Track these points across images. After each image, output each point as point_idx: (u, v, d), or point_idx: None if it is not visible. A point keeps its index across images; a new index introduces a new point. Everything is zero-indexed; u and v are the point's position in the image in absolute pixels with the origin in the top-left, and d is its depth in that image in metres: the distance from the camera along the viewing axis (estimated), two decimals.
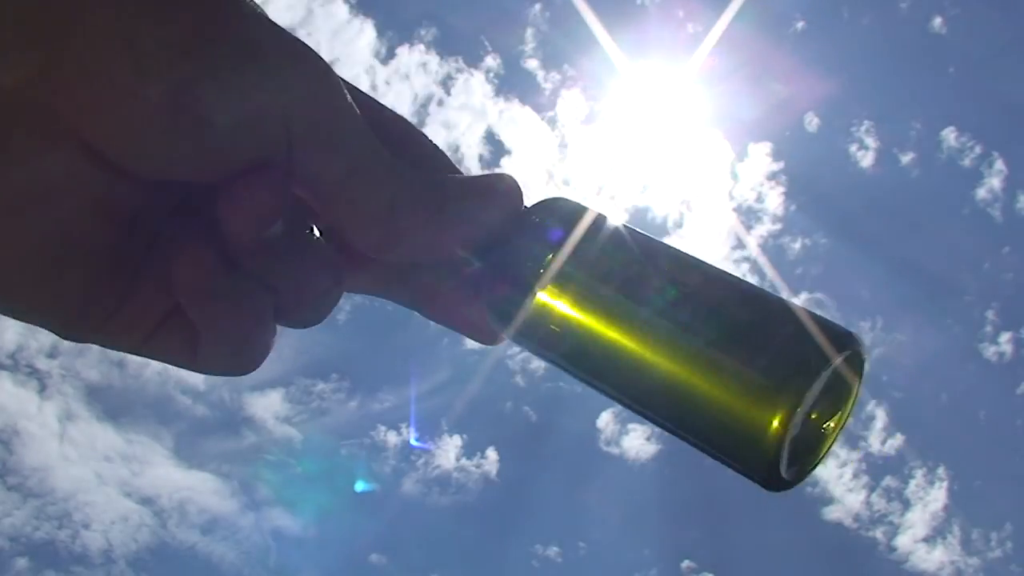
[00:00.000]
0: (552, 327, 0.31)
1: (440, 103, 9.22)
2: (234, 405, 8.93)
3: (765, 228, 9.42)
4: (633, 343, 0.31)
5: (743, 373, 0.29)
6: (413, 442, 8.82)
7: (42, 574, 7.70)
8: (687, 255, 0.32)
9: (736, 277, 0.32)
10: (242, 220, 0.25)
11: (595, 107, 9.08)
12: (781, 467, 0.29)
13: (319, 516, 8.76)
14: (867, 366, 0.30)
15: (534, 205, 0.34)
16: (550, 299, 0.31)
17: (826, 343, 0.28)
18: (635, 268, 0.31)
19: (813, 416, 0.30)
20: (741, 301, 0.31)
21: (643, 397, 0.31)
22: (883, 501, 8.89)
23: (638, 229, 0.33)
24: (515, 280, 0.32)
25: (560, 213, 0.33)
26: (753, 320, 0.30)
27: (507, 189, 0.33)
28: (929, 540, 8.71)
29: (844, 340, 0.29)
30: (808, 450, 0.30)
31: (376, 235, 0.29)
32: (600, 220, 0.33)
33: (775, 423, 0.27)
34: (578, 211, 0.33)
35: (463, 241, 0.31)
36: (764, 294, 0.31)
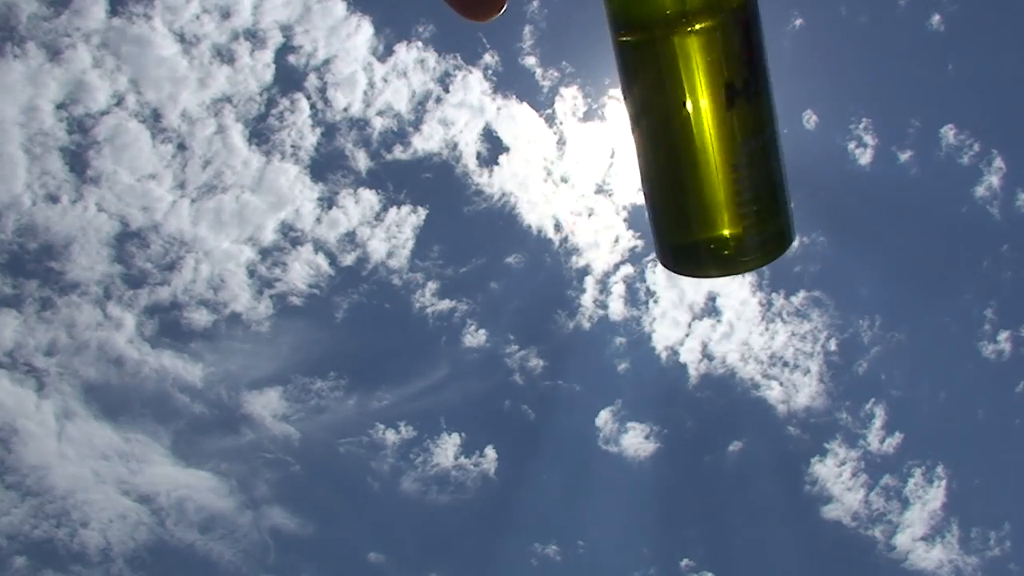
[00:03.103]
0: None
1: (438, 100, 9.21)
2: (232, 403, 8.92)
3: None
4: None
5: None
6: None
7: (40, 573, 7.69)
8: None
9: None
10: None
11: (593, 104, 9.07)
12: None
13: (318, 514, 8.76)
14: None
15: None
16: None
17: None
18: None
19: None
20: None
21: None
22: (882, 500, 8.89)
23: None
24: None
25: None
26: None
27: None
28: (928, 539, 8.71)
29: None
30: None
31: None
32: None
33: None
34: None
35: None
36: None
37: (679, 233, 0.35)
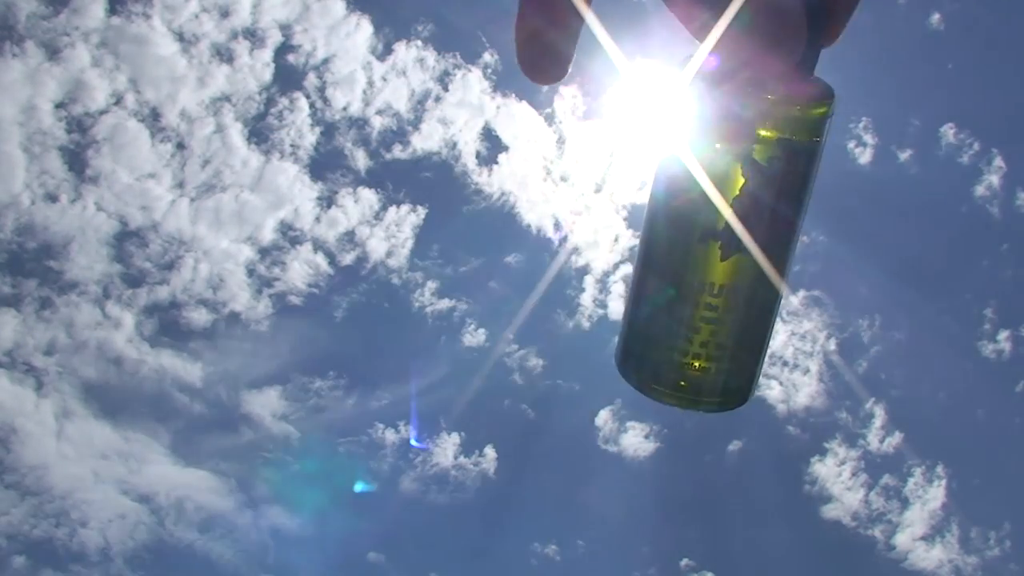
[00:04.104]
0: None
1: (437, 99, 9.20)
2: (231, 402, 8.91)
3: None
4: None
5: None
6: (413, 442, 8.81)
7: (40, 572, 7.69)
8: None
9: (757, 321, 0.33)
10: None
11: (593, 103, 9.06)
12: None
13: (317, 514, 8.75)
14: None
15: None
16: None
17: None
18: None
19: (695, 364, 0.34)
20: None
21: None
22: (881, 499, 8.89)
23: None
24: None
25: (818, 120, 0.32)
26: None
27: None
28: (928, 538, 8.70)
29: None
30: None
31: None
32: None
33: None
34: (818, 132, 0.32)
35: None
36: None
37: (647, 347, 0.35)
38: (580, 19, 0.31)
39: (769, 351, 0.35)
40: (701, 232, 0.32)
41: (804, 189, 0.32)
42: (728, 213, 0.32)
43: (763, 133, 0.31)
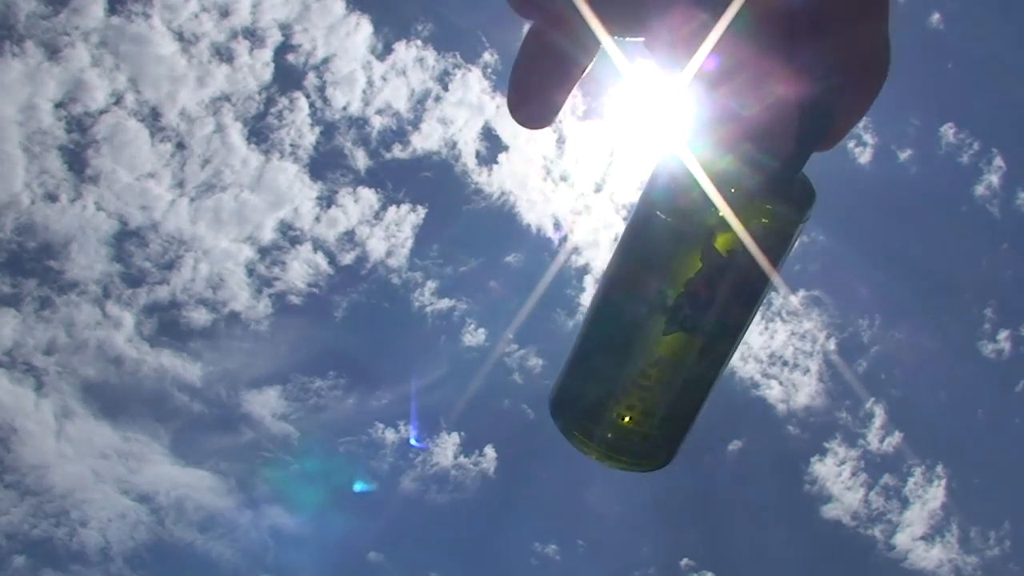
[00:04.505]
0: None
1: (437, 99, 9.20)
2: (231, 402, 8.91)
3: None
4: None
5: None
6: (412, 442, 8.81)
7: (40, 572, 7.69)
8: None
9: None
10: None
11: (593, 103, 9.06)
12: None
13: (317, 514, 8.75)
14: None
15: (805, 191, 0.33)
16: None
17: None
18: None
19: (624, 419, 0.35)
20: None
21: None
22: (881, 499, 8.89)
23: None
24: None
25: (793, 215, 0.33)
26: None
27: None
28: (927, 538, 8.71)
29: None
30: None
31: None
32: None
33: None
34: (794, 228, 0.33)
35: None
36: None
37: (579, 396, 0.36)
38: (577, 75, 0.32)
39: (697, 418, 0.36)
40: (650, 303, 0.33)
41: (762, 286, 0.33)
42: (678, 293, 0.32)
43: (729, 224, 0.31)
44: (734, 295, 0.32)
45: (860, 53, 0.28)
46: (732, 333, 0.33)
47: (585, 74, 0.32)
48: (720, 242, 0.31)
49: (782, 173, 0.30)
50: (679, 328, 0.32)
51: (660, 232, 0.32)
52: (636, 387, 0.35)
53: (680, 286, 0.32)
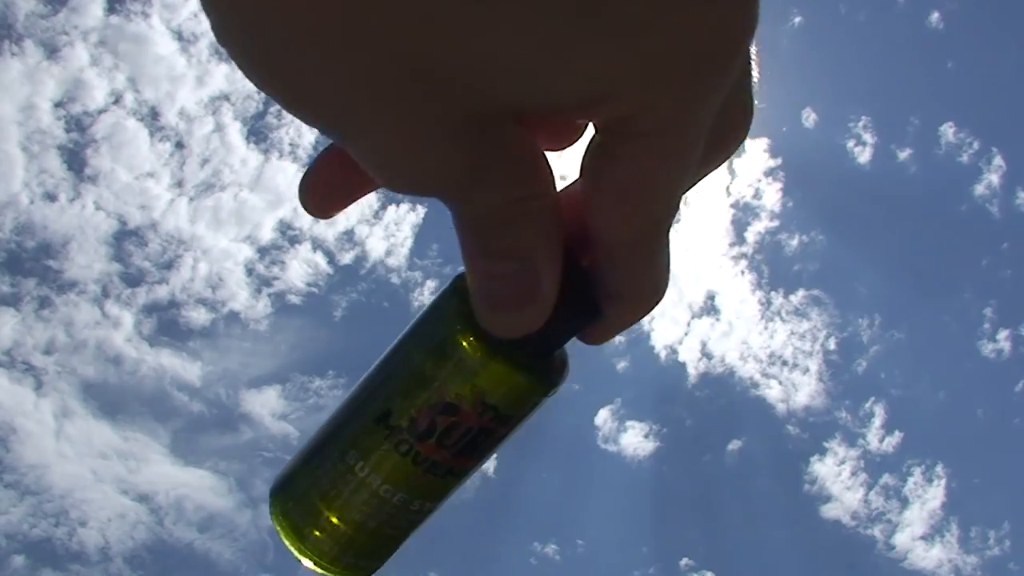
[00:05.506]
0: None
1: None
2: (231, 402, 8.91)
3: (763, 224, 9.40)
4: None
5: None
6: None
7: (39, 572, 7.68)
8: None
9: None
10: None
11: None
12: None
13: None
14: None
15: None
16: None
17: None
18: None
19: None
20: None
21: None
22: (881, 499, 8.89)
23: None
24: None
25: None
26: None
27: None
28: (927, 538, 8.71)
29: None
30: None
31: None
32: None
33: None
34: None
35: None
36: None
37: (299, 483, 0.37)
38: (361, 193, 0.32)
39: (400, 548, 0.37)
40: (381, 414, 0.34)
41: (485, 440, 0.34)
42: (406, 418, 0.33)
43: (471, 376, 0.32)
44: (456, 440, 0.33)
45: (645, 280, 0.29)
46: (442, 472, 0.34)
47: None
48: (457, 388, 0.32)
49: (539, 347, 0.31)
50: (394, 449, 0.33)
51: (416, 354, 0.33)
52: (347, 491, 0.36)
53: (409, 412, 0.32)
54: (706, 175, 0.27)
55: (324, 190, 0.31)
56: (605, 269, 0.28)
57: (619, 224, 0.26)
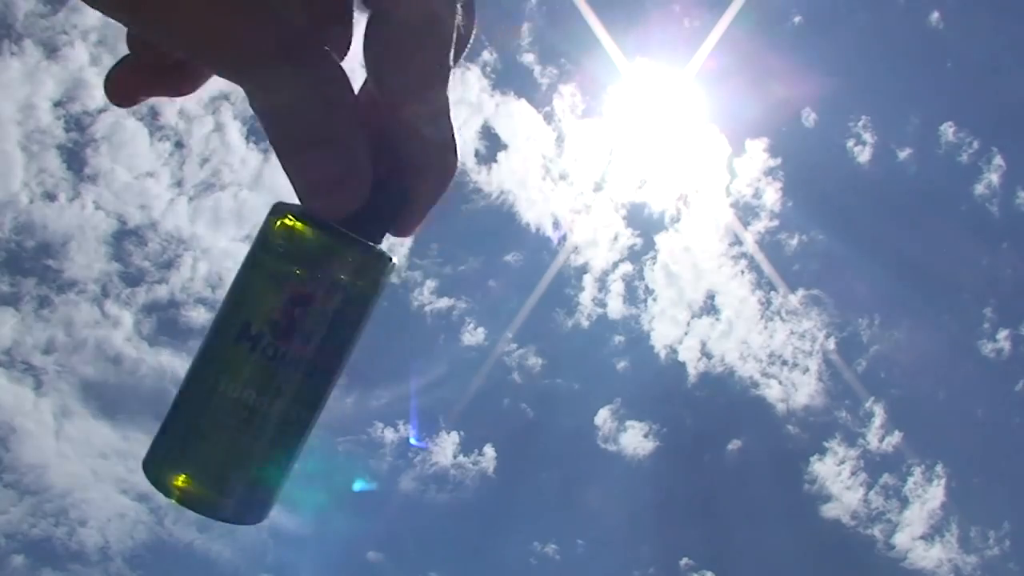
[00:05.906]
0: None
1: None
2: None
3: (762, 224, 9.41)
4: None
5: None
6: (412, 441, 8.81)
7: (39, 571, 7.68)
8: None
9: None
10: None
11: (592, 102, 9.05)
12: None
13: (316, 514, 8.75)
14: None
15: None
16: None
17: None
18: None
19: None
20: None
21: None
22: (881, 499, 8.88)
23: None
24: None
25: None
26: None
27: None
28: (927, 538, 8.70)
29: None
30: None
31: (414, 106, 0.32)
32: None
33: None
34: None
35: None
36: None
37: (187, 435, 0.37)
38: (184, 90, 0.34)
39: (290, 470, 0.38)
40: (237, 333, 0.34)
41: (342, 332, 0.35)
42: (261, 323, 0.34)
43: (306, 263, 0.34)
44: (314, 329, 0.34)
45: (434, 147, 0.32)
46: (310, 369, 0.35)
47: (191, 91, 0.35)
48: (303, 276, 0.34)
49: (367, 223, 0.34)
50: (261, 356, 0.34)
51: (257, 268, 0.32)
52: (229, 427, 0.36)
53: (266, 316, 0.33)
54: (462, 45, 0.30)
55: (127, 84, 0.33)
56: (402, 145, 0.30)
57: (397, 71, 0.29)
